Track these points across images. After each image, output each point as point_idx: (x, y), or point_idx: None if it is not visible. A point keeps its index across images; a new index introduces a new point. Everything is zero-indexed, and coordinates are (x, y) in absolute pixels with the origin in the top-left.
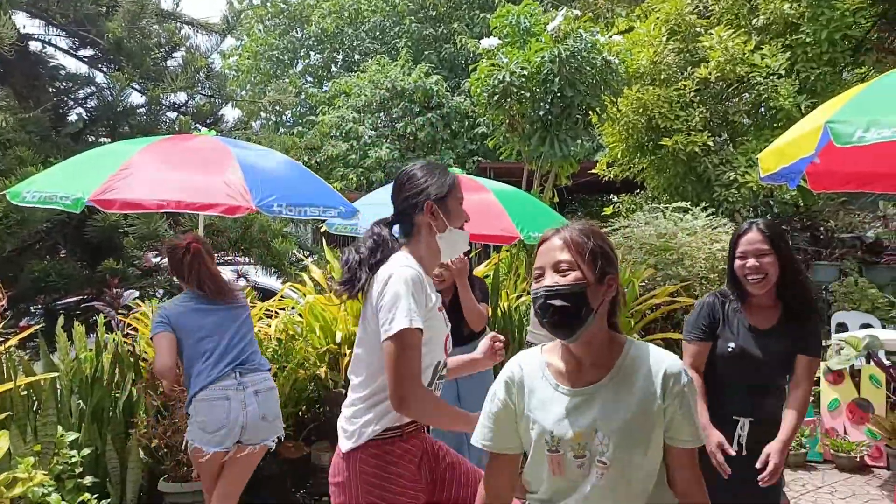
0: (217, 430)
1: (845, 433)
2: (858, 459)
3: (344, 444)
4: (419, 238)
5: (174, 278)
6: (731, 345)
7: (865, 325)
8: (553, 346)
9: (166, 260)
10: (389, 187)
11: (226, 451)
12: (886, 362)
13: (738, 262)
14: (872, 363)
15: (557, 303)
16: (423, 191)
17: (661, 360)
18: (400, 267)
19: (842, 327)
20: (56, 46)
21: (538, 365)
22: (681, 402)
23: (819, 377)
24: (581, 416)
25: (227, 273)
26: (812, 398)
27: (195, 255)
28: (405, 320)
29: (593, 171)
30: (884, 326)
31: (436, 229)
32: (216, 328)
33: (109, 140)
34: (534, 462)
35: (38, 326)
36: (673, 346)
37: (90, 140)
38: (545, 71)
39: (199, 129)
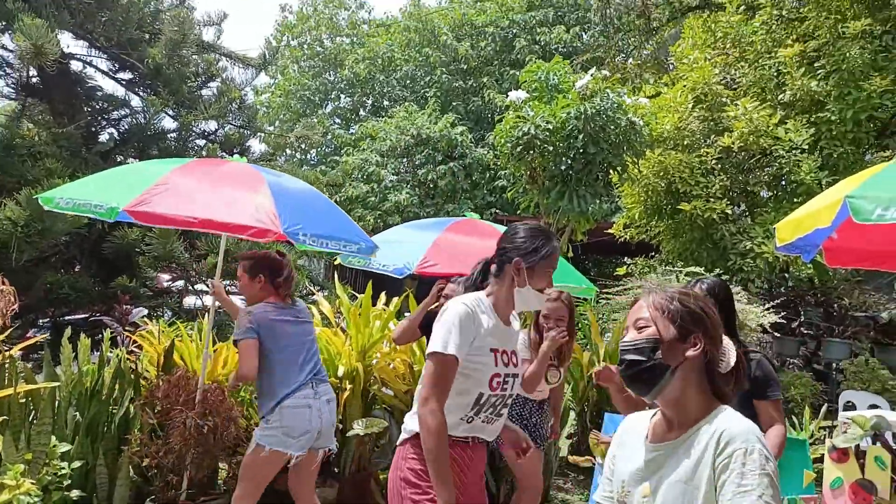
0: (301, 435)
1: None
2: None
3: (400, 438)
4: (502, 284)
5: (250, 288)
6: None
7: (873, 406)
8: None
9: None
10: (406, 226)
11: (296, 456)
12: (894, 445)
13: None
14: (879, 444)
15: (630, 357)
16: (518, 248)
17: (724, 424)
18: (461, 300)
19: (850, 406)
20: (96, 67)
21: (645, 419)
22: (728, 467)
23: (823, 454)
24: (651, 473)
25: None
26: (815, 476)
27: (291, 270)
28: (439, 345)
29: (609, 230)
30: (893, 409)
31: (517, 283)
32: (299, 338)
33: (138, 160)
34: None
35: (43, 337)
36: None
37: (119, 160)
38: (570, 127)
39: (231, 156)
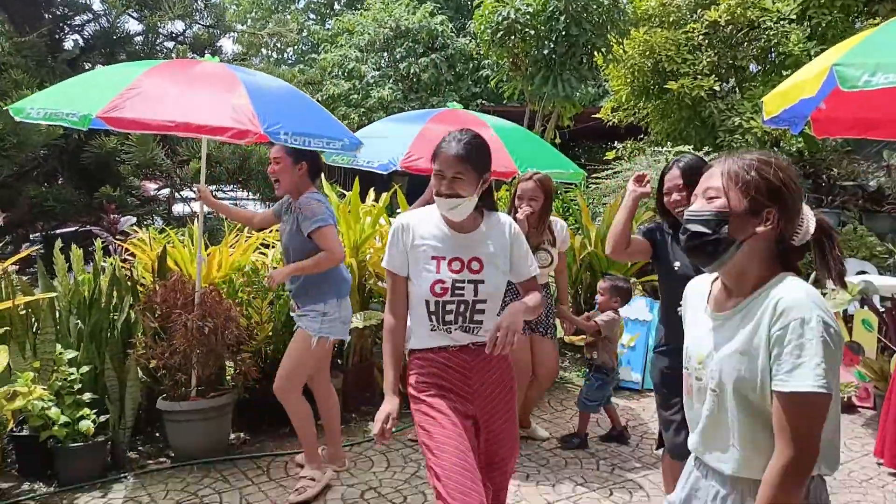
0: (349, 322)
1: None
2: (846, 399)
3: None
4: None
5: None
6: (678, 264)
7: (862, 272)
8: None
9: (164, 190)
10: (389, 120)
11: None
12: (880, 307)
13: (665, 198)
14: (866, 308)
15: (695, 228)
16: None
17: (782, 292)
18: (403, 215)
19: None
20: None
21: (707, 281)
22: (784, 339)
23: None
24: (709, 341)
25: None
26: None
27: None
28: (384, 260)
29: (597, 115)
30: (881, 273)
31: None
32: None
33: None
34: None
35: (35, 250)
36: None
37: (86, 67)
38: (550, 8)
39: (202, 58)
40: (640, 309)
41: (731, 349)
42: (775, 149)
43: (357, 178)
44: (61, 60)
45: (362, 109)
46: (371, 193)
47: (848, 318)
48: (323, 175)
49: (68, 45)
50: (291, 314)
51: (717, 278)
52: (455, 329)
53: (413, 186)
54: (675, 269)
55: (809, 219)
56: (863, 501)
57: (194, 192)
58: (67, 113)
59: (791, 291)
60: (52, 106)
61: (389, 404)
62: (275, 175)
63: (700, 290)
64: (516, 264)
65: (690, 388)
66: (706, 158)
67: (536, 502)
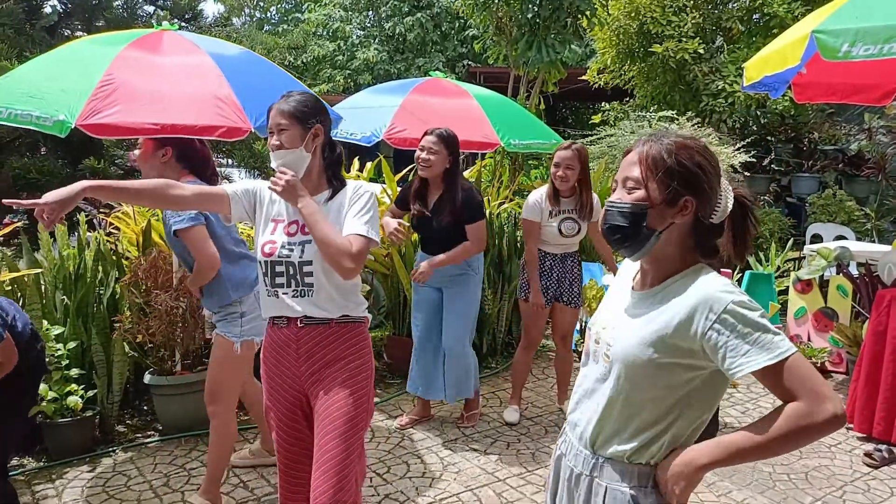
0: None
1: (809, 340)
2: (819, 365)
3: None
4: None
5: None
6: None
7: (840, 237)
8: None
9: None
10: (371, 91)
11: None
12: (855, 273)
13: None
14: (841, 274)
15: (615, 221)
16: None
17: (700, 287)
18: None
19: (816, 238)
20: None
21: (636, 266)
22: (722, 329)
23: (788, 286)
24: (616, 311)
25: None
26: (779, 306)
27: None
28: None
29: (583, 77)
30: (859, 239)
31: None
32: None
33: (86, 34)
34: None
35: (20, 223)
36: None
37: (66, 34)
38: None
39: (163, 24)
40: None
41: (634, 326)
42: (758, 112)
43: (342, 149)
44: (40, 28)
45: (348, 71)
46: (356, 163)
47: (823, 284)
48: None
49: (47, 10)
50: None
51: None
52: (285, 295)
53: (399, 155)
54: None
55: (728, 196)
56: (830, 465)
57: None
58: (38, 116)
59: (705, 286)
60: (17, 105)
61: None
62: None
63: (627, 272)
64: (347, 220)
65: (588, 348)
66: (689, 124)
67: (516, 471)
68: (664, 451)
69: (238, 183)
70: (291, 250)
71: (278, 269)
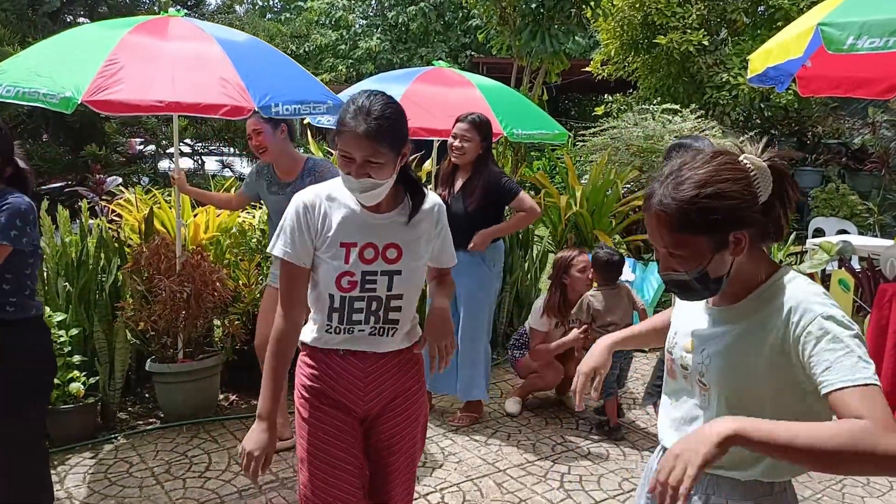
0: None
1: None
2: None
3: None
4: None
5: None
6: None
7: (842, 231)
8: None
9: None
10: (373, 80)
11: None
12: (857, 268)
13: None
14: (843, 268)
15: (681, 290)
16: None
17: (794, 294)
18: (303, 192)
19: (819, 232)
20: None
21: None
22: (807, 340)
23: None
24: (702, 330)
25: (212, 163)
26: None
27: None
28: (271, 244)
29: (587, 69)
30: (861, 233)
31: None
32: None
33: (88, 20)
34: None
35: None
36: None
37: (68, 20)
38: None
39: (169, 10)
40: (624, 270)
41: (726, 342)
42: (762, 105)
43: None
44: (42, 14)
45: (350, 60)
46: None
47: (825, 278)
48: (309, 133)
49: None
50: None
51: None
52: (361, 332)
53: None
54: None
55: (763, 175)
56: None
57: (170, 173)
58: (45, 94)
59: (802, 294)
60: (24, 84)
61: (264, 434)
62: (260, 146)
63: None
64: (439, 251)
65: (674, 371)
66: (692, 116)
67: (516, 461)
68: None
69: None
70: (375, 283)
71: (357, 304)
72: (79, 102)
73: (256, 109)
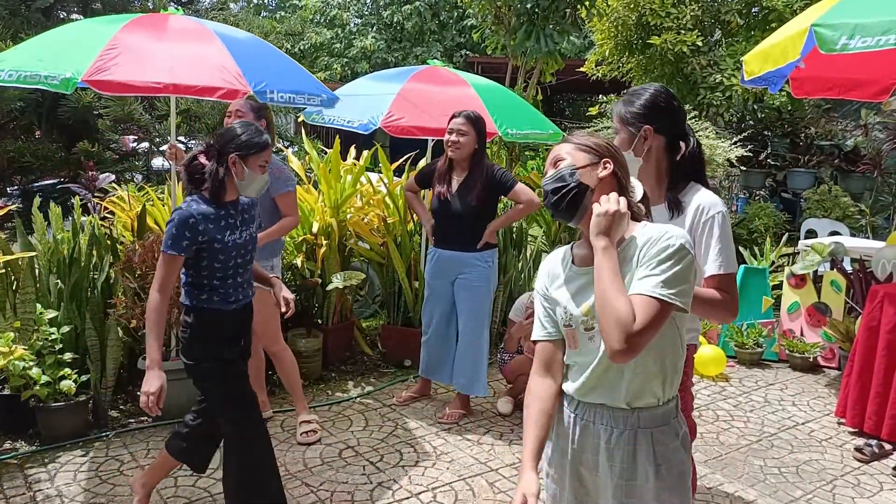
0: None
1: (802, 335)
2: (812, 360)
3: None
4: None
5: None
6: None
7: (834, 233)
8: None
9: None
10: (368, 78)
11: None
12: (849, 269)
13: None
14: (835, 269)
15: (552, 186)
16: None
17: (647, 233)
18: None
19: (811, 234)
20: None
21: (564, 253)
22: (654, 254)
23: (782, 281)
24: (588, 292)
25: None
26: (773, 300)
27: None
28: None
29: (581, 69)
30: (853, 234)
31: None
32: None
33: (82, 17)
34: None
35: (14, 206)
36: None
37: (62, 17)
38: None
39: (168, 8)
40: None
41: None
42: (755, 107)
43: (338, 136)
44: (35, 9)
45: (345, 59)
46: (352, 151)
47: (817, 279)
48: (304, 132)
49: None
50: None
51: (571, 245)
52: None
53: (396, 144)
54: None
55: (638, 187)
56: (821, 459)
57: (164, 153)
58: (46, 76)
59: (656, 228)
60: (25, 68)
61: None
62: None
63: (554, 264)
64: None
65: (576, 340)
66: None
67: (508, 460)
68: (679, 379)
69: None
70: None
71: None
72: (79, 82)
73: (252, 94)
